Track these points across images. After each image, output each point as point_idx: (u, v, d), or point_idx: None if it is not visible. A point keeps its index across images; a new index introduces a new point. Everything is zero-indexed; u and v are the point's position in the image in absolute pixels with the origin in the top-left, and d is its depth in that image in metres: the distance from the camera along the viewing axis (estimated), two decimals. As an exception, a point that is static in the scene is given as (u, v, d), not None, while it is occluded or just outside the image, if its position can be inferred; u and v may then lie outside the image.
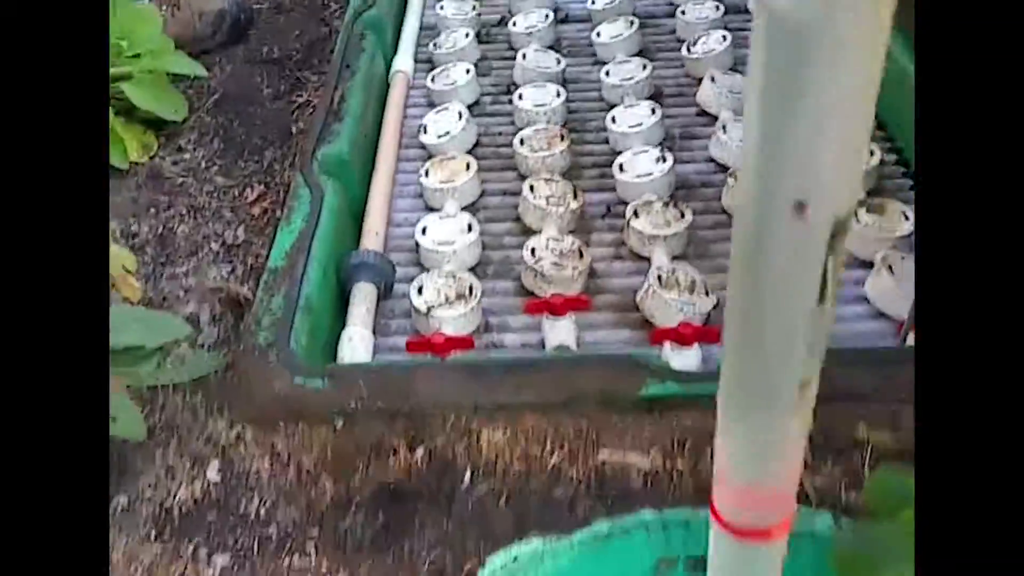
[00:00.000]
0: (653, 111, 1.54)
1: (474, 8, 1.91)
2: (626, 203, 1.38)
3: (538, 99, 1.61)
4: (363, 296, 1.26)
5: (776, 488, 0.46)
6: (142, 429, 0.97)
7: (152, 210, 1.40)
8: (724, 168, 1.48)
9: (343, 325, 1.23)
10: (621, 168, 1.44)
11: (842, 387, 0.94)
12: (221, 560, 0.90)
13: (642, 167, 1.44)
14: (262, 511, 0.94)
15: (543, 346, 1.19)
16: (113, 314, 0.97)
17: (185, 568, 0.89)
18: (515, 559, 0.86)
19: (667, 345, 1.14)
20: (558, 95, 1.62)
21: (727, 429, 0.46)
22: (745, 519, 0.48)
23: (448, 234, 1.35)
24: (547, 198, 1.38)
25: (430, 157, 1.52)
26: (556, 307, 1.17)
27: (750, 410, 0.44)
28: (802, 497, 0.90)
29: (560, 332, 1.19)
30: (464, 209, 1.43)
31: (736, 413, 0.45)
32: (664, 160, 1.43)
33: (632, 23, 1.78)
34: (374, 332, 1.24)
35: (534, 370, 1.03)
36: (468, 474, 0.96)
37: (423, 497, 0.94)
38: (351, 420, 1.01)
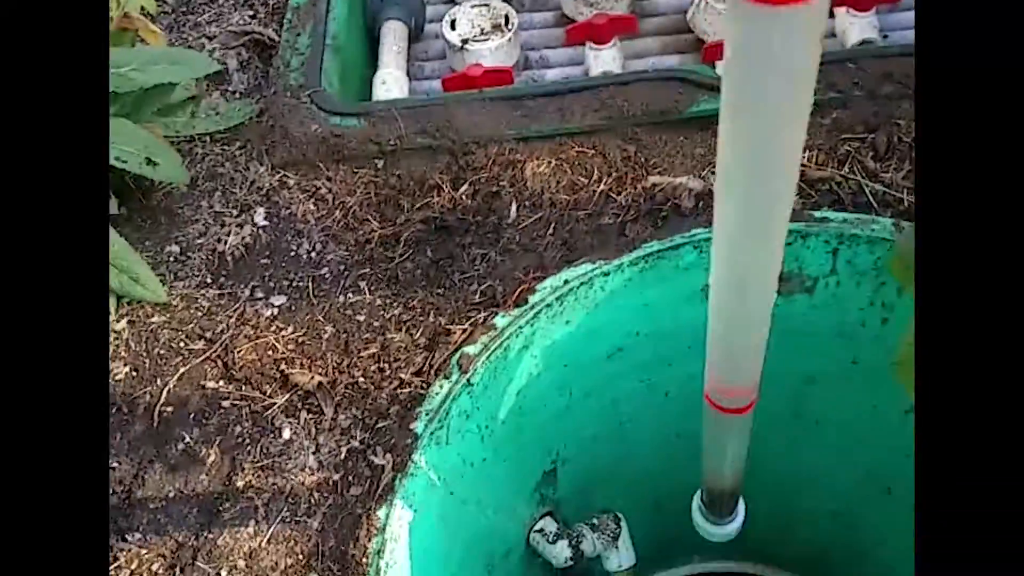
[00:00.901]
0: None
1: None
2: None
3: None
4: (394, 35, 1.19)
5: (746, 385, 0.61)
6: (184, 173, 0.96)
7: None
8: None
9: (374, 69, 1.17)
10: None
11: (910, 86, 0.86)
12: (278, 300, 0.91)
13: None
14: (312, 253, 0.94)
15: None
16: (138, 55, 0.93)
17: (244, 309, 0.91)
18: (565, 282, 0.86)
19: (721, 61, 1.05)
20: None
21: (715, 345, 0.58)
22: (726, 403, 0.64)
23: (479, -40, 1.24)
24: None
25: None
26: (600, 30, 1.08)
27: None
28: (863, 203, 0.86)
29: (604, 61, 1.12)
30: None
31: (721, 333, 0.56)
32: None
33: None
34: (408, 75, 1.18)
35: (577, 94, 0.96)
36: (514, 206, 0.93)
37: (470, 231, 0.93)
38: (392, 159, 0.98)
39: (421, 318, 0.88)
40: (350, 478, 0.80)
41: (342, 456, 0.81)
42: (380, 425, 0.82)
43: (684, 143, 0.93)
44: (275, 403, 0.85)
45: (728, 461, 0.76)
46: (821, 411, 1.07)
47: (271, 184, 0.99)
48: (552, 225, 0.91)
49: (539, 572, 1.16)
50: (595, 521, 1.09)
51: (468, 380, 0.83)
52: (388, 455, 0.80)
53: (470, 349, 0.84)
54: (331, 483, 0.80)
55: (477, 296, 0.88)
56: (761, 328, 0.54)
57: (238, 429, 0.84)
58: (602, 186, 0.93)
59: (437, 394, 0.82)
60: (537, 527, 1.08)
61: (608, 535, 1.08)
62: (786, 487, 1.21)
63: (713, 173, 0.91)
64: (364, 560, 0.75)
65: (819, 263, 0.87)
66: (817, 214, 0.85)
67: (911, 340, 0.76)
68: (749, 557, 1.43)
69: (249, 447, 0.83)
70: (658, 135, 0.94)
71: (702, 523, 0.90)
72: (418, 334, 0.87)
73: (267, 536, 0.78)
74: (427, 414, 0.81)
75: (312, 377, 0.85)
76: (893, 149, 0.89)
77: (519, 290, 0.87)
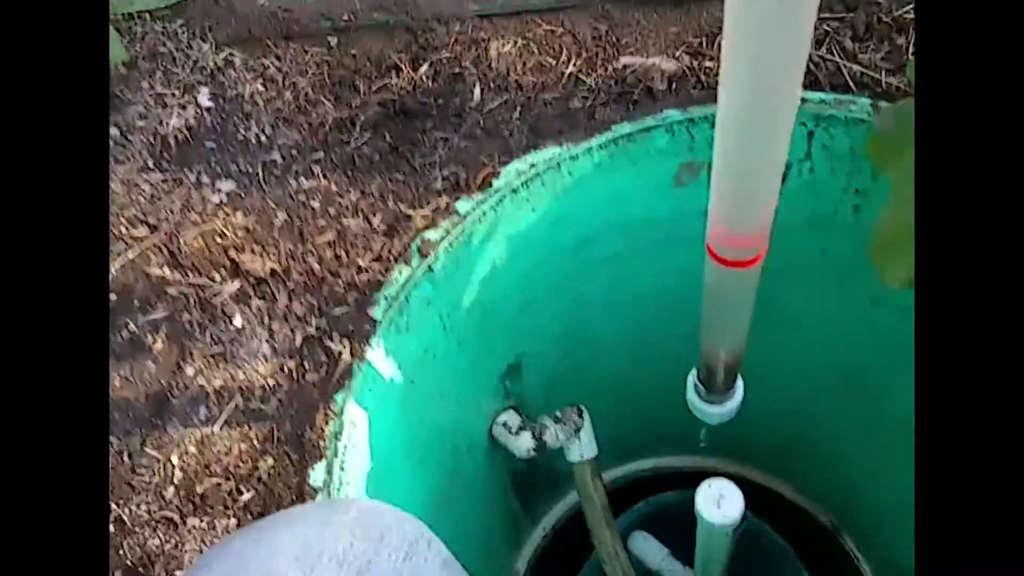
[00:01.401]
0: None
1: None
2: None
3: None
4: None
5: (755, 231, 0.53)
6: (122, 52, 0.89)
7: None
8: None
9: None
10: None
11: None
12: (226, 186, 0.86)
13: None
14: (262, 137, 0.89)
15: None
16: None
17: (190, 195, 0.86)
18: (531, 166, 0.82)
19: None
20: None
21: (721, 180, 0.50)
22: (731, 255, 0.56)
23: None
24: None
25: None
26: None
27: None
28: (841, 84, 0.82)
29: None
30: None
31: (729, 162, 0.48)
32: None
33: None
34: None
35: (545, -33, 0.91)
36: (478, 89, 0.88)
37: (431, 114, 0.88)
38: (346, 36, 0.92)
39: (380, 204, 0.84)
40: (306, 365, 0.77)
41: (297, 343, 0.78)
42: (337, 312, 0.79)
43: (658, 21, 0.89)
44: (225, 290, 0.81)
45: (730, 326, 0.71)
46: (788, 305, 1.06)
47: (216, 63, 0.92)
48: (518, 108, 0.87)
49: (502, 464, 1.16)
50: (558, 414, 1.09)
51: (430, 266, 0.79)
52: (346, 341, 0.77)
53: (431, 234, 0.80)
54: (286, 370, 0.77)
55: (439, 182, 0.84)
56: (779, 159, 0.47)
57: (186, 316, 0.80)
58: (571, 67, 0.88)
59: (397, 280, 0.78)
60: (500, 420, 1.07)
61: (571, 427, 1.08)
62: (748, 381, 1.21)
63: (688, 54, 0.87)
64: (321, 443, 0.73)
65: (794, 146, 0.84)
66: (793, 95, 0.82)
67: (888, 223, 0.74)
68: (709, 452, 1.45)
69: (198, 335, 0.79)
70: (630, 12, 0.89)
71: (697, 402, 0.85)
72: (377, 220, 0.83)
73: (219, 422, 0.76)
74: (387, 300, 0.78)
75: (264, 263, 0.81)
76: (872, 29, 0.85)
77: (483, 175, 0.83)
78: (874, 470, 1.26)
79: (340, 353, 0.76)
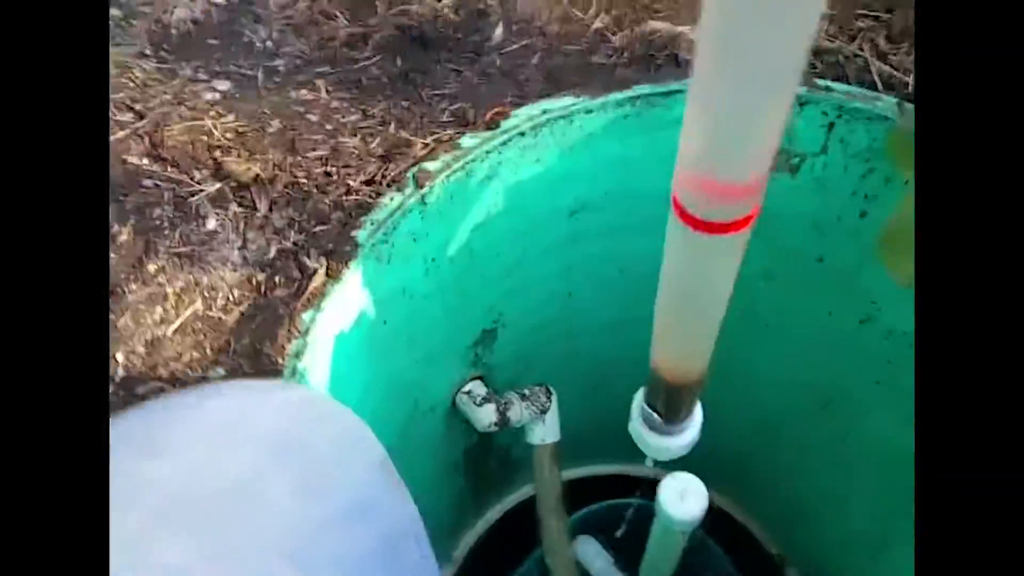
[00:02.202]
0: None
1: None
2: None
3: None
4: None
5: (749, 176, 0.37)
6: (131, -70, 0.85)
7: None
8: None
9: None
10: None
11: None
12: (222, 86, 0.82)
13: None
14: (268, 42, 0.85)
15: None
16: None
17: (183, 89, 0.81)
18: (543, 111, 0.79)
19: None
20: None
21: (705, 93, 0.35)
22: (709, 212, 0.40)
23: None
24: None
25: None
26: None
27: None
28: (869, 82, 0.80)
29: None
30: None
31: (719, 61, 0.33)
32: None
33: None
34: None
35: (587, -82, 0.88)
36: (500, 28, 0.85)
37: (448, 46, 0.84)
38: (371, -44, 0.88)
39: (380, 128, 0.80)
40: (277, 278, 0.72)
41: (271, 255, 0.74)
42: (318, 230, 0.74)
43: (692, -8, 0.86)
44: (203, 191, 0.76)
45: (698, 324, 0.51)
46: (770, 311, 1.04)
47: (232, -39, 0.88)
48: (538, 54, 0.84)
49: (458, 438, 1.11)
50: (526, 391, 1.05)
51: (423, 198, 0.76)
52: (323, 259, 0.72)
53: (430, 165, 0.76)
54: (254, 282, 0.73)
55: (446, 115, 0.80)
56: (801, 45, 0.31)
57: (157, 211, 0.75)
58: (598, 23, 0.85)
59: (387, 205, 0.74)
60: (466, 388, 1.03)
61: (537, 407, 1.04)
62: (715, 389, 1.18)
63: (717, 28, 0.84)
64: (280, 361, 0.68)
65: (811, 138, 0.81)
66: (821, 82, 0.79)
67: (902, 215, 0.72)
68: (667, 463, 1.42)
69: (167, 231, 0.74)
70: (666, -23, 0.86)
71: (644, 434, 0.68)
72: (374, 143, 0.79)
73: (175, 326, 0.71)
74: (373, 224, 0.73)
75: (249, 168, 0.76)
76: (908, 34, 0.84)
77: (492, 115, 0.79)
78: (831, 503, 1.24)
79: (315, 271, 0.72)
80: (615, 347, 1.13)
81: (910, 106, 0.77)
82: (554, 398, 1.05)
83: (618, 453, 1.48)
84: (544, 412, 1.05)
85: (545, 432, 1.06)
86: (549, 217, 0.89)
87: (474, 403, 1.01)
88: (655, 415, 0.63)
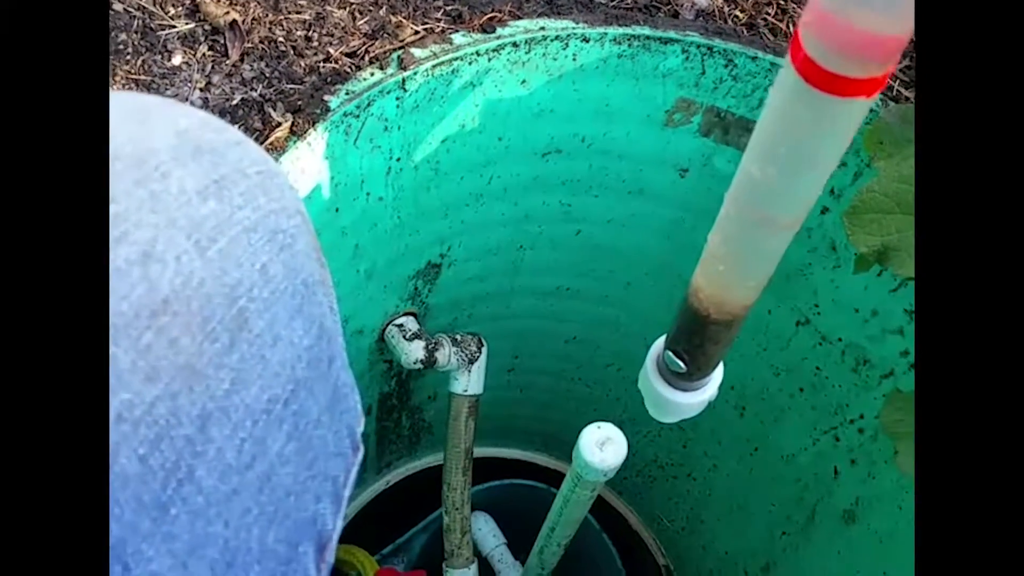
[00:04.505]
0: None
1: None
2: None
3: None
4: None
5: (900, 28, 0.30)
6: None
7: None
8: None
9: None
10: None
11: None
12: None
13: None
14: (271, -93, 0.81)
15: None
16: None
17: (174, -72, 0.77)
18: (541, 28, 0.77)
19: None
20: None
21: None
22: (844, 66, 0.31)
23: None
24: None
25: None
26: None
27: None
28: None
29: None
30: None
31: None
32: None
33: None
34: None
35: None
36: (509, -52, 0.84)
37: (454, -47, 0.82)
38: None
39: (371, 7, 0.77)
40: (237, 126, 0.68)
41: (234, 102, 0.69)
42: (288, 87, 0.71)
43: (704, -46, 0.87)
44: (175, 28, 0.72)
45: (774, 222, 0.39)
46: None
47: None
48: (542, -19, 0.83)
49: (377, 377, 1.07)
50: (458, 337, 1.02)
51: (404, 82, 0.73)
52: (289, 115, 0.69)
53: (417, 52, 0.74)
54: (212, 125, 0.68)
55: (440, 13, 0.78)
56: None
57: (123, 37, 0.71)
58: (606, -35, 0.85)
59: (366, 79, 0.71)
60: (398, 321, 0.99)
61: (467, 355, 1.01)
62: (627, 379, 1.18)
63: (722, -5, 0.85)
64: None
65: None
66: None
67: (870, 190, 0.72)
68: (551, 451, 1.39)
69: (130, 57, 0.70)
70: (681, -64, 0.87)
71: (661, 388, 0.57)
72: (362, 21, 0.76)
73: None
74: (347, 93, 0.70)
75: (228, 13, 0.73)
76: (898, 42, 0.86)
77: (489, 16, 0.77)
78: (728, 517, 1.23)
79: (279, 124, 0.68)
80: (556, 314, 1.11)
81: (895, 105, 0.78)
82: (484, 350, 1.03)
83: (521, 439, 1.45)
84: (472, 362, 1.02)
85: (469, 382, 1.02)
86: (520, 151, 0.87)
87: (404, 337, 0.97)
88: (680, 362, 0.53)
